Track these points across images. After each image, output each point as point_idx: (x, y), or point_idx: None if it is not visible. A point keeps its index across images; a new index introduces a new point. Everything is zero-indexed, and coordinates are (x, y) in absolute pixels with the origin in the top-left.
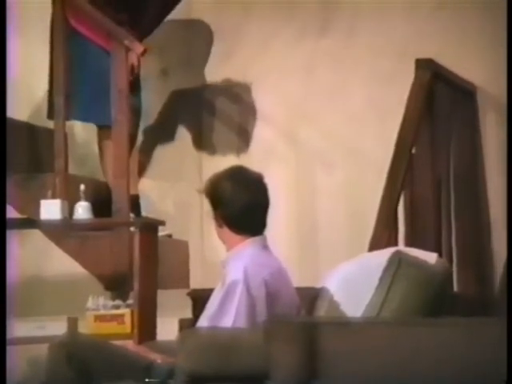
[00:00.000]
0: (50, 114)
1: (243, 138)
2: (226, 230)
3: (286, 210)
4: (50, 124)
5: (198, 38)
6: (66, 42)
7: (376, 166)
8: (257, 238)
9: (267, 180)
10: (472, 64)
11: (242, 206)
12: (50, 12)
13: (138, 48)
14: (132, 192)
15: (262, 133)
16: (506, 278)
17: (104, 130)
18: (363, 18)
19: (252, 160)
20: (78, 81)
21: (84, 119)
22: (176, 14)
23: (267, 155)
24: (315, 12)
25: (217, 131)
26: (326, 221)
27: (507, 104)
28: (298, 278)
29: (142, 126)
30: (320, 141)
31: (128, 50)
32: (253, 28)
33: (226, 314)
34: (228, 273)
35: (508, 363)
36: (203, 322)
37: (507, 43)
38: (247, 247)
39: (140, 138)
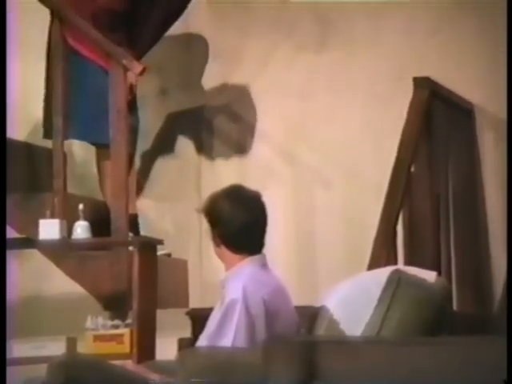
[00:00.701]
0: (46, 134)
1: (242, 157)
2: (224, 250)
3: (285, 229)
4: (48, 143)
5: (197, 57)
6: (65, 61)
7: (373, 185)
8: (255, 257)
9: (265, 199)
10: (469, 83)
11: (240, 225)
12: (46, 32)
13: (137, 67)
14: (131, 211)
15: (260, 152)
16: (506, 289)
17: (102, 149)
18: (360, 40)
19: (251, 179)
20: (76, 100)
21: (82, 138)
22: (174, 31)
23: (266, 174)
24: (313, 32)
25: (216, 150)
26: (324, 240)
27: (507, 118)
28: (297, 297)
29: (141, 145)
30: (318, 160)
31: (126, 69)
32: (251, 48)
33: (226, 333)
34: (227, 292)
35: (508, 364)
36: (203, 341)
37: (507, 56)
38: (246, 266)
39: (139, 157)
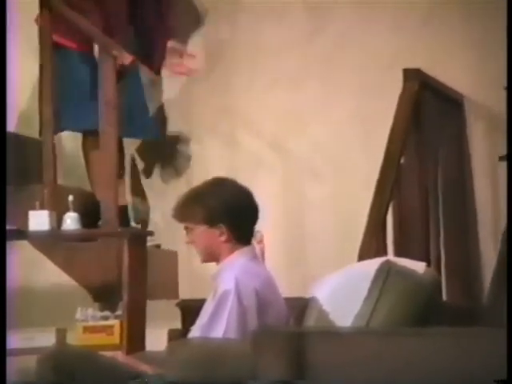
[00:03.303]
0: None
1: (232, 148)
2: (223, 243)
3: (275, 220)
4: (37, 134)
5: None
6: (52, 55)
7: (363, 176)
8: (246, 249)
9: (256, 190)
10: (459, 74)
11: (245, 215)
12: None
13: (127, 58)
14: (121, 203)
15: (250, 143)
16: (507, 281)
17: (89, 138)
18: (351, 31)
19: (241, 170)
20: (62, 88)
21: (69, 126)
22: None
23: (256, 165)
24: (303, 23)
25: (205, 141)
26: (314, 231)
27: (507, 117)
28: (287, 288)
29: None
30: (308, 151)
31: (116, 60)
32: (240, 37)
33: (218, 323)
34: (219, 284)
35: (508, 363)
36: (195, 332)
37: (507, 56)
38: (237, 258)
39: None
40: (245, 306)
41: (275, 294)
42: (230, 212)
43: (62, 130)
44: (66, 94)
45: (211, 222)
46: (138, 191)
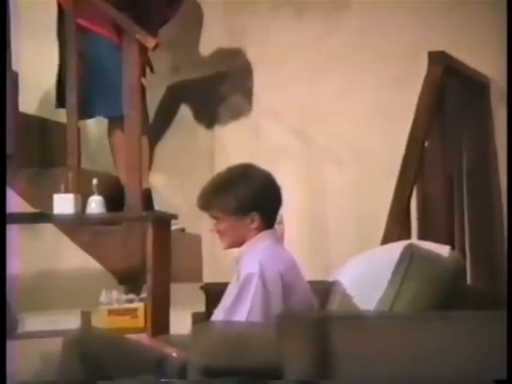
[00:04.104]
0: (59, 103)
1: (254, 134)
2: (253, 230)
3: (297, 206)
4: (62, 118)
5: (209, 36)
6: (77, 39)
7: (385, 164)
8: (269, 231)
9: (278, 177)
10: (484, 57)
11: (276, 199)
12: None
13: (150, 42)
14: (144, 186)
15: (272, 130)
16: (507, 281)
17: (114, 123)
18: (372, 20)
19: (263, 157)
20: (89, 76)
21: (95, 114)
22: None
23: (277, 154)
24: (325, 13)
25: (228, 127)
26: (336, 217)
27: (507, 111)
28: (310, 273)
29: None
30: (330, 140)
31: (140, 44)
32: (263, 27)
33: (242, 305)
34: (242, 267)
35: (508, 363)
36: (218, 315)
37: (507, 56)
38: (260, 241)
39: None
40: (269, 291)
41: (299, 277)
42: (261, 199)
43: (92, 117)
44: (95, 80)
45: (243, 211)
46: None
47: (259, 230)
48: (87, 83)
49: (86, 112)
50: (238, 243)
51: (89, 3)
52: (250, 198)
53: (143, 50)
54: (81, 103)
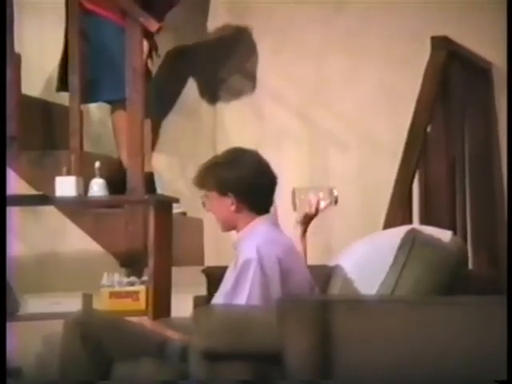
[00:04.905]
0: (59, 87)
1: (257, 117)
2: (241, 213)
3: None
4: (65, 100)
5: (213, 19)
6: (80, 21)
7: (389, 148)
8: (266, 216)
9: (281, 160)
10: (487, 43)
11: (263, 183)
12: None
13: (153, 26)
14: (146, 169)
15: (275, 113)
16: (507, 280)
17: (117, 106)
18: (376, 2)
19: (266, 140)
20: (93, 59)
21: (99, 98)
22: None
23: (281, 137)
24: None
25: (231, 110)
26: (339, 200)
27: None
28: (312, 257)
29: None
30: (333, 123)
31: (143, 27)
32: (266, 11)
33: (240, 291)
34: (240, 252)
35: (508, 363)
36: (218, 299)
37: (507, 56)
38: (258, 226)
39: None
40: (267, 275)
41: (297, 261)
42: (240, 184)
43: (97, 101)
44: (100, 63)
45: (220, 190)
46: None
47: (242, 213)
48: (92, 66)
49: (90, 96)
50: (230, 225)
51: None
52: (228, 179)
53: (149, 33)
54: (85, 87)
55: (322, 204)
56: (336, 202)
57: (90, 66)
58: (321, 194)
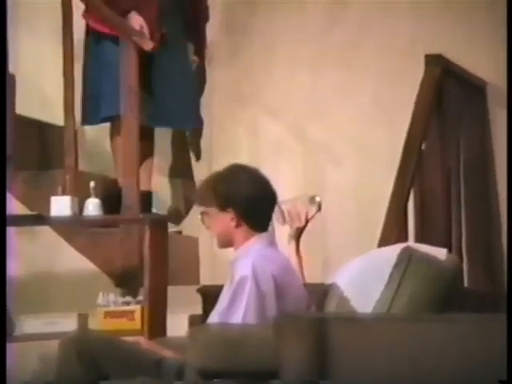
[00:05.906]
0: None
1: (253, 133)
2: (239, 229)
3: None
4: (59, 121)
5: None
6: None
7: (384, 162)
8: (263, 235)
9: (276, 175)
10: (481, 60)
11: (261, 201)
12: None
13: (148, 44)
14: (145, 188)
15: (270, 128)
16: (507, 284)
17: (116, 125)
18: (371, 17)
19: (261, 155)
20: (95, 76)
21: (100, 117)
22: None
23: (276, 150)
24: (324, 10)
25: (227, 128)
26: (334, 216)
27: (507, 111)
28: (308, 274)
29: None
30: (328, 137)
31: (137, 46)
32: (261, 25)
33: (236, 309)
34: (236, 270)
35: (508, 364)
36: (213, 318)
37: (507, 56)
38: (254, 244)
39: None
40: (262, 291)
41: (293, 278)
42: (240, 198)
43: (99, 121)
44: (102, 80)
45: (220, 205)
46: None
47: (242, 229)
48: (94, 84)
49: (91, 114)
50: (227, 242)
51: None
52: (228, 194)
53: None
54: (85, 104)
55: (310, 214)
56: (320, 208)
57: (92, 83)
58: (306, 204)
